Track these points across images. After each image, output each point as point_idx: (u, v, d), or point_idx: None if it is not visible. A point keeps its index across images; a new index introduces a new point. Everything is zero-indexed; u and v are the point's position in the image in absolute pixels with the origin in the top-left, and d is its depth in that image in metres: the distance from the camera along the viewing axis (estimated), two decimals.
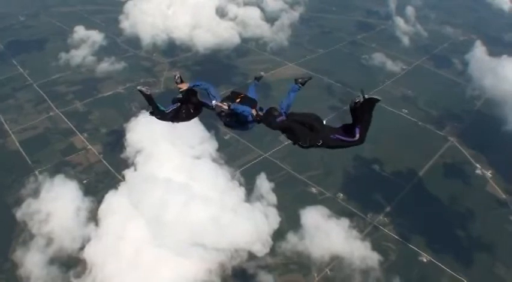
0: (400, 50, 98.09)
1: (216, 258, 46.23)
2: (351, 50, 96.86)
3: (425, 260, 50.52)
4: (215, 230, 46.02)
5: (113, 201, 48.36)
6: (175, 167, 51.15)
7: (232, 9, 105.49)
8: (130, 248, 44.70)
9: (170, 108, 13.75)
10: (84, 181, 54.62)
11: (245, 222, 48.36)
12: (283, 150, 62.30)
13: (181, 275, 44.04)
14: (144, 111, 60.29)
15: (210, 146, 58.57)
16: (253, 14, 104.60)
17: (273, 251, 49.10)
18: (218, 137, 60.77)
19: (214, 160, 57.24)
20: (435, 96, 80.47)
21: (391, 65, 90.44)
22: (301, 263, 48.85)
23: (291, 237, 50.94)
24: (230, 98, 12.57)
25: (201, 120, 54.87)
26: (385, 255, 50.26)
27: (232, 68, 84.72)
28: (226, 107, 12.10)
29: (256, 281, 47.00)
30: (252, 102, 12.60)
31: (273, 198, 54.97)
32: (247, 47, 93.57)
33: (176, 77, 13.74)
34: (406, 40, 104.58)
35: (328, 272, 47.98)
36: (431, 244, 52.24)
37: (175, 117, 13.77)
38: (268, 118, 12.04)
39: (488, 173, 64.38)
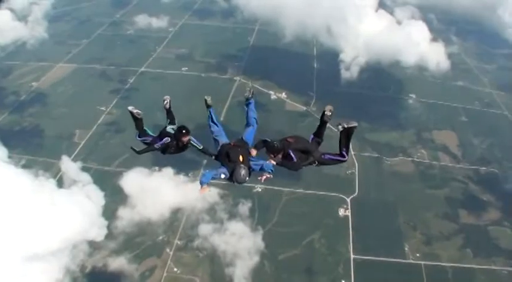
0: (162, 13, 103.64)
1: (59, 264, 42.64)
2: (113, 31, 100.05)
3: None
4: (41, 233, 41.17)
5: None
6: None
7: None
8: None
9: (160, 142, 13.60)
10: None
11: (69, 210, 44.83)
12: (83, 151, 60.50)
13: None
14: None
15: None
16: (3, 17, 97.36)
17: (112, 234, 47.98)
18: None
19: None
20: (209, 46, 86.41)
21: (157, 32, 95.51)
22: (146, 237, 48.71)
23: (123, 212, 49.94)
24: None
25: None
26: None
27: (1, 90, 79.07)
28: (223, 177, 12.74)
29: (111, 271, 45.34)
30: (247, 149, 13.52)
31: (86, 177, 53.23)
32: (11, 63, 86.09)
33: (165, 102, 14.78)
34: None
35: (179, 243, 48.50)
36: None
37: (164, 149, 13.73)
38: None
39: (283, 95, 70.95)
